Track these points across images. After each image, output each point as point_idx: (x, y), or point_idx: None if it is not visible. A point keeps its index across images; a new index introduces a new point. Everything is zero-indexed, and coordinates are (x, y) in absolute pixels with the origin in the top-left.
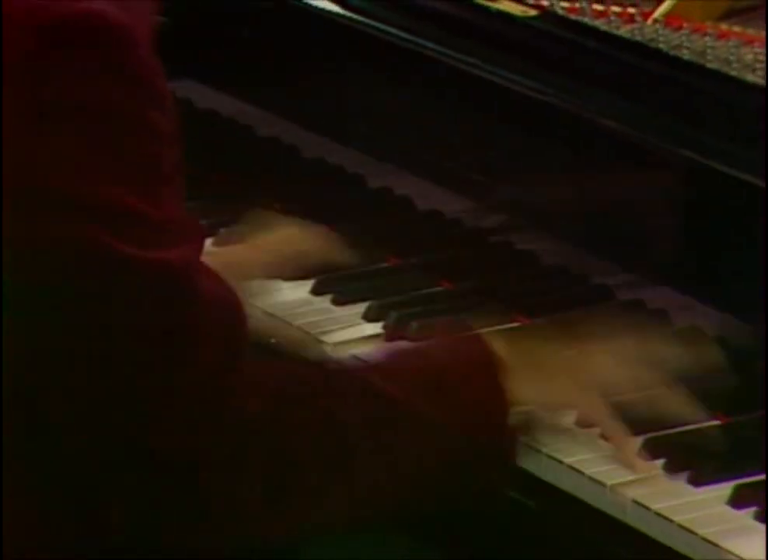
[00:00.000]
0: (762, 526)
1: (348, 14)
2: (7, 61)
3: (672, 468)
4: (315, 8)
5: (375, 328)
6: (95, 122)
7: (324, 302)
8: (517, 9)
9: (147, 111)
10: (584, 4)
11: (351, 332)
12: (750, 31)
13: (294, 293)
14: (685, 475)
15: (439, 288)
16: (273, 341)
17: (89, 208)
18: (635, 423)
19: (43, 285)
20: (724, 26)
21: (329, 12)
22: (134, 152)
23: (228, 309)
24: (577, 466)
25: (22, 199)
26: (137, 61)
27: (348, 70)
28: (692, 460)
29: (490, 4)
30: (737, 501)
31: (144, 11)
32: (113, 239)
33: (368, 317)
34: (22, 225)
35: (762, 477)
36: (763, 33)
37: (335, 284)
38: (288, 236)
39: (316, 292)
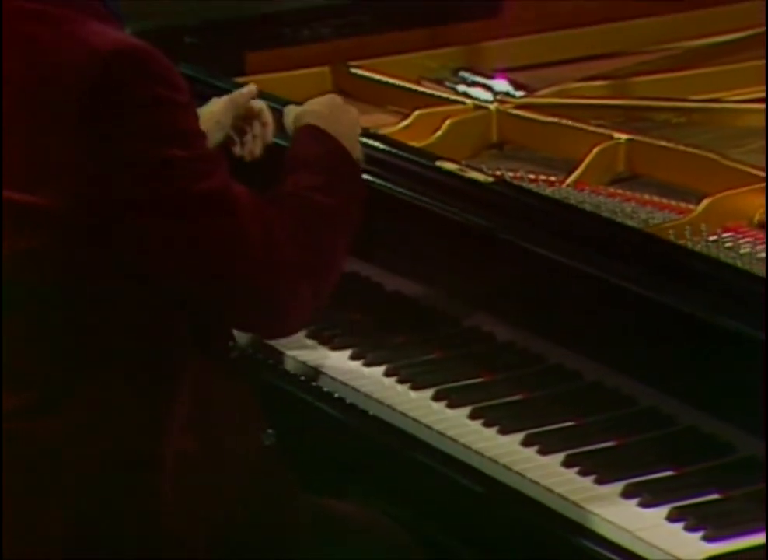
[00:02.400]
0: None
1: (370, 178)
2: (82, 88)
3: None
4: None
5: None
6: (150, 112)
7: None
8: (480, 177)
9: (174, 96)
10: (522, 174)
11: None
12: (628, 193)
13: None
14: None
15: (432, 356)
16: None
17: (153, 163)
18: None
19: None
20: (611, 189)
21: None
22: (174, 124)
23: (252, 201)
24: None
25: (112, 165)
26: (165, 66)
27: (375, 218)
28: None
29: (463, 174)
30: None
31: None
32: (175, 180)
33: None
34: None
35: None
36: (637, 195)
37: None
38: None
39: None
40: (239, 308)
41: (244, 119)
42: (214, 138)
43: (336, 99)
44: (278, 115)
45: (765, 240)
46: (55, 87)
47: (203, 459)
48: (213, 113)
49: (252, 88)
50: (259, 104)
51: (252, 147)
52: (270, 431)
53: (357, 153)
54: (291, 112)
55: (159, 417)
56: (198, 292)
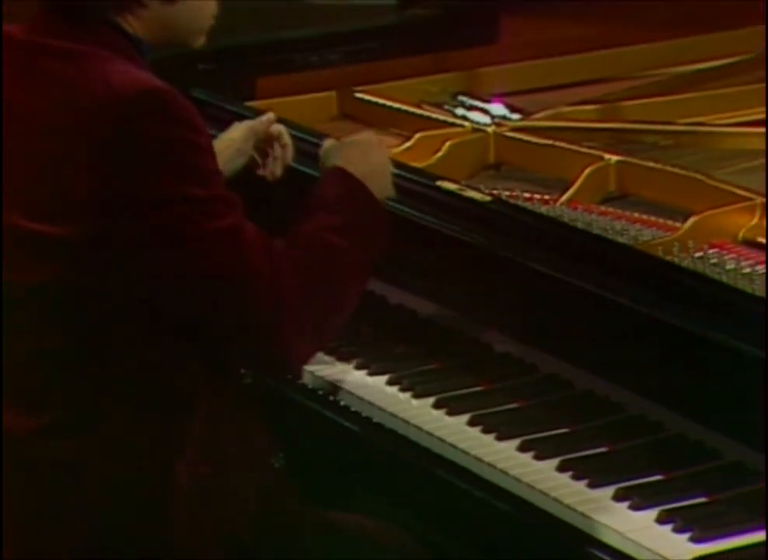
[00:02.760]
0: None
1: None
2: (104, 127)
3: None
4: None
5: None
6: (169, 152)
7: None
8: (479, 196)
9: (195, 137)
10: (518, 193)
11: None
12: (618, 211)
13: None
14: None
15: (433, 366)
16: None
17: (172, 201)
18: None
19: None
20: (603, 208)
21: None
22: (193, 163)
23: (261, 237)
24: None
25: (125, 202)
26: (185, 108)
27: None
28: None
29: (462, 193)
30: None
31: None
32: (192, 218)
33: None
34: (130, 220)
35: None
36: (627, 213)
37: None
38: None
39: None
40: (243, 345)
41: (265, 142)
42: (235, 163)
43: (372, 138)
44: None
45: (749, 256)
46: (78, 124)
47: (215, 482)
48: (234, 140)
49: (271, 116)
50: (278, 128)
51: (273, 168)
52: (280, 454)
53: (388, 193)
54: (325, 147)
55: (173, 441)
56: (205, 327)
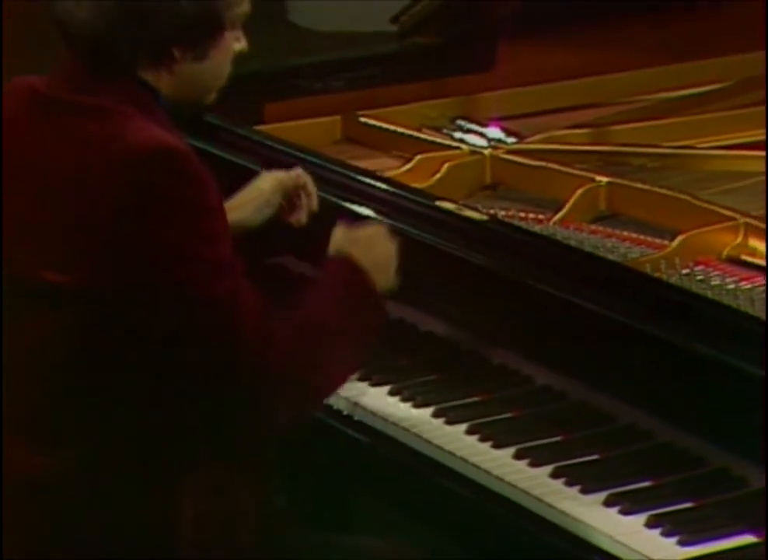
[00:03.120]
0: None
1: (377, 216)
2: (118, 183)
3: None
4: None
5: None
6: (181, 212)
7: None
8: (476, 215)
9: (205, 198)
10: (513, 212)
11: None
12: (608, 230)
13: None
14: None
15: (433, 377)
16: None
17: (179, 260)
18: None
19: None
20: (593, 226)
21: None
22: (203, 225)
23: (257, 306)
24: None
25: (133, 258)
26: (198, 169)
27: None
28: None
29: (460, 212)
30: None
31: (184, 140)
32: (196, 278)
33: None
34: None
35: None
36: (618, 232)
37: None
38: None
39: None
40: (230, 405)
41: (292, 192)
42: (263, 213)
43: (381, 231)
44: (294, 161)
45: (733, 273)
46: (94, 179)
47: (219, 520)
48: (263, 191)
49: (299, 172)
50: (304, 179)
51: (299, 216)
52: (283, 493)
53: (390, 285)
54: (335, 234)
55: (179, 482)
56: (197, 383)
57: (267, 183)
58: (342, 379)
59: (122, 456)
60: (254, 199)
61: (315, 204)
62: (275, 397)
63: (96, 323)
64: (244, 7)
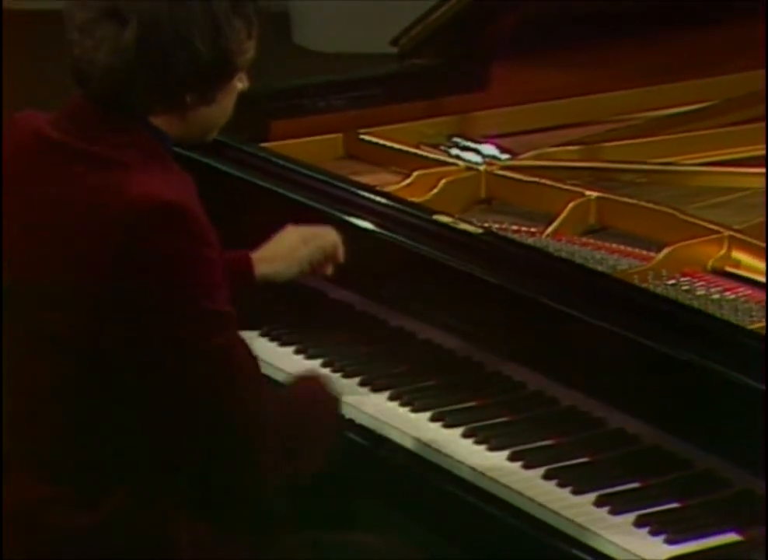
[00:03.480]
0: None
1: (377, 229)
2: (117, 237)
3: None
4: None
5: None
6: (178, 265)
7: None
8: (471, 228)
9: (203, 251)
10: (507, 226)
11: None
12: (598, 242)
13: None
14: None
15: (430, 383)
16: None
17: (177, 312)
18: None
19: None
20: (584, 239)
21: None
22: (201, 277)
23: (251, 356)
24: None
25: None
26: (196, 222)
27: (380, 263)
28: None
29: (456, 225)
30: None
31: (187, 183)
32: (193, 331)
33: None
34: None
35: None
36: (607, 244)
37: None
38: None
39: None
40: (216, 457)
41: (319, 248)
42: (292, 270)
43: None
44: (298, 176)
45: (717, 284)
46: (94, 229)
47: (213, 535)
48: (292, 249)
49: (328, 231)
50: (333, 236)
51: (326, 269)
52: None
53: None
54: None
55: (175, 507)
56: (190, 429)
57: (296, 241)
58: (318, 458)
59: (117, 491)
60: (284, 256)
61: (341, 256)
62: (265, 450)
63: (92, 371)
64: (252, 52)
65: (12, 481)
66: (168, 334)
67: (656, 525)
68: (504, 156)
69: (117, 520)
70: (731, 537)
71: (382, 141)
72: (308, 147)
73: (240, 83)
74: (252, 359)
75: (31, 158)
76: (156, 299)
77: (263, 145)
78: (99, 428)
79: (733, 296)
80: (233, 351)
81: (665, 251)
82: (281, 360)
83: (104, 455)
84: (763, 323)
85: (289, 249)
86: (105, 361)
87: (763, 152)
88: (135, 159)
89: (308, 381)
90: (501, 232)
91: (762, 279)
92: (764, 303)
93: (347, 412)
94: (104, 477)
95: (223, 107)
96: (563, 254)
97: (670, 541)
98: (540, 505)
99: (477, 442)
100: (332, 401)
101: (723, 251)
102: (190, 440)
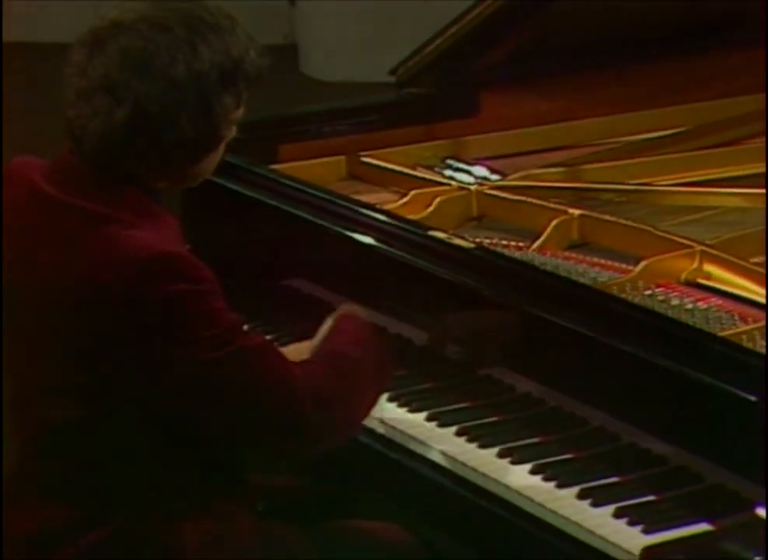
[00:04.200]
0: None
1: (377, 244)
2: (118, 288)
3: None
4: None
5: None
6: (176, 305)
7: None
8: (464, 243)
9: (199, 288)
10: (497, 241)
11: None
12: (580, 256)
13: None
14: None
15: (426, 385)
16: None
17: (184, 345)
18: None
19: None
20: (567, 253)
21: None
22: (199, 310)
23: (267, 347)
24: None
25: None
26: (188, 265)
27: (380, 275)
28: None
29: (450, 241)
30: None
31: (172, 226)
32: (202, 355)
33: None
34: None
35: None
36: (588, 258)
37: None
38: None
39: None
40: (266, 445)
41: None
42: None
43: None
44: (304, 195)
45: (690, 295)
46: (95, 282)
47: (216, 534)
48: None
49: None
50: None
51: None
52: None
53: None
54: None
55: (182, 509)
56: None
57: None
58: (367, 409)
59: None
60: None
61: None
62: (308, 433)
63: (108, 408)
64: (240, 115)
65: (24, 504)
66: (184, 362)
67: (634, 516)
68: (494, 177)
69: (128, 530)
70: (703, 527)
71: (381, 163)
72: (314, 169)
73: (229, 133)
74: (268, 346)
75: (26, 213)
76: (165, 338)
77: (272, 166)
78: (115, 452)
79: (705, 306)
80: (248, 351)
81: (642, 265)
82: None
83: (116, 474)
84: (732, 331)
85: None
86: (121, 398)
87: (732, 174)
88: (127, 215)
89: (347, 321)
90: (491, 247)
91: (732, 290)
92: (733, 312)
93: None
94: (116, 494)
95: (210, 163)
96: (548, 267)
97: (647, 531)
98: (527, 497)
99: (469, 440)
100: (374, 334)
101: (695, 265)
102: (232, 438)
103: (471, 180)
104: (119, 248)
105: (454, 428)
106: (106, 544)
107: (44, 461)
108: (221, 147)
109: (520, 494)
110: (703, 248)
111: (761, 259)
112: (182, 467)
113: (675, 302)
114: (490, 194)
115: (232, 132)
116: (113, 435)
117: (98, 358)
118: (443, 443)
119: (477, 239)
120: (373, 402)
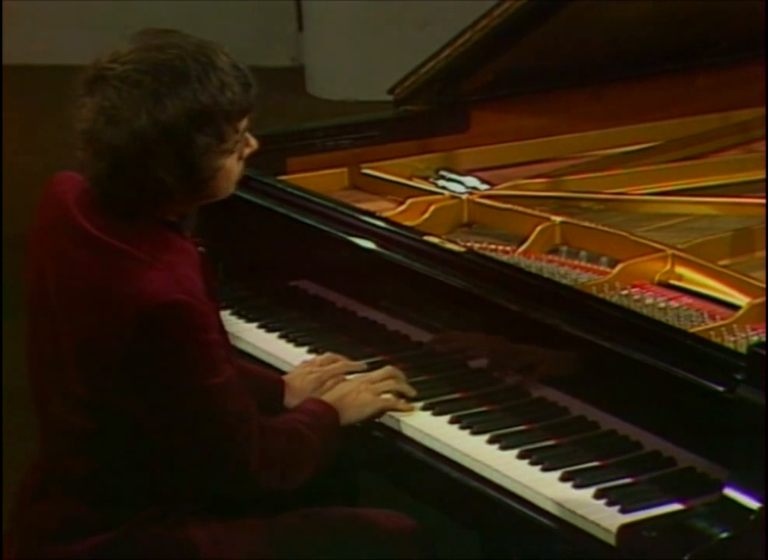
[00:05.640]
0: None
1: (376, 248)
2: (130, 327)
3: None
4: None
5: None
6: (181, 352)
7: None
8: (456, 247)
9: (203, 336)
10: (486, 245)
11: None
12: (562, 259)
13: None
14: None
15: (421, 378)
16: None
17: (186, 391)
18: None
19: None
20: (550, 257)
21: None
22: (199, 356)
23: (243, 396)
24: None
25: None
26: (197, 313)
27: (378, 277)
28: None
29: (443, 245)
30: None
31: (191, 257)
32: (200, 375)
33: None
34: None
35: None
36: (569, 261)
37: None
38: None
39: None
40: (213, 472)
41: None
42: (317, 393)
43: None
44: (310, 204)
45: (662, 294)
46: (109, 317)
47: (225, 533)
48: (315, 380)
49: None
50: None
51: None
52: None
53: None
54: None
55: (191, 512)
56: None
57: (315, 375)
58: (307, 471)
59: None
60: (310, 384)
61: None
62: (261, 461)
63: (116, 424)
64: (233, 144)
65: (48, 500)
66: (178, 402)
67: (612, 497)
68: (484, 187)
69: (141, 532)
70: (675, 507)
71: (380, 174)
72: (319, 179)
73: (248, 148)
74: (241, 386)
75: (55, 237)
76: (166, 377)
77: (280, 177)
78: (130, 462)
79: (676, 305)
80: (223, 388)
81: (619, 267)
82: (291, 355)
83: (129, 476)
84: (702, 327)
85: (314, 381)
86: (121, 411)
87: (700, 184)
88: (145, 248)
89: (313, 403)
90: (481, 251)
91: (701, 290)
92: (702, 311)
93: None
94: (130, 499)
95: (219, 184)
96: (533, 269)
97: (624, 511)
98: (513, 480)
99: (462, 428)
100: (334, 424)
101: (667, 267)
102: (193, 465)
103: (462, 189)
104: (135, 289)
105: (448, 417)
106: (119, 544)
107: (63, 461)
108: (234, 166)
109: (507, 476)
110: (675, 252)
111: (728, 262)
112: (189, 470)
113: (649, 301)
114: (479, 203)
115: (253, 145)
116: (122, 441)
117: (102, 376)
118: (437, 430)
119: (468, 244)
120: (308, 474)
